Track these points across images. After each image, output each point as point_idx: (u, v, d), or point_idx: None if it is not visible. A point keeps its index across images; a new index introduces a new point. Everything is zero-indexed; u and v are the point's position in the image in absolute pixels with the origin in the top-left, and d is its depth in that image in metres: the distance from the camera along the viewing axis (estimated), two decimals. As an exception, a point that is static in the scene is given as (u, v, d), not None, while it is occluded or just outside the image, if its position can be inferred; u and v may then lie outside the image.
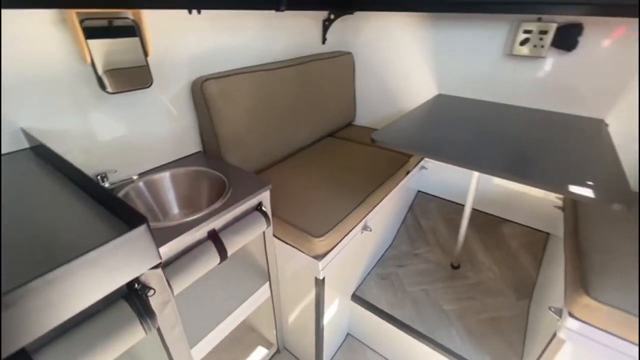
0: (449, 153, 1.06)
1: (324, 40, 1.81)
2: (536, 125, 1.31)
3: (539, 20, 1.34)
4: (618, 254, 0.94)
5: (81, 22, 0.79)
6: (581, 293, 0.85)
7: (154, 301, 0.55)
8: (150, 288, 0.54)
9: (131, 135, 1.07)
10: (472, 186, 1.33)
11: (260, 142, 1.39)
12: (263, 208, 1.07)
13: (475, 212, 1.42)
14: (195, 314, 1.06)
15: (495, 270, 1.57)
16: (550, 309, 0.97)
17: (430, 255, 1.68)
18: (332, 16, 1.74)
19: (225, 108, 1.21)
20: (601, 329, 0.83)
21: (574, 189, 0.83)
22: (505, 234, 1.75)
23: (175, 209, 1.09)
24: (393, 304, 1.43)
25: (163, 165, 1.16)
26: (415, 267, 1.62)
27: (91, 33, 0.83)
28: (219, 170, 1.10)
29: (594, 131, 1.25)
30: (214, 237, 0.93)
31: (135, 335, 0.51)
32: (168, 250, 0.80)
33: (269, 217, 1.07)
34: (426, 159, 1.75)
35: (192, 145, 1.29)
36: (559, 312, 0.93)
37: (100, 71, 0.87)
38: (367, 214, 1.27)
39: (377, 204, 1.33)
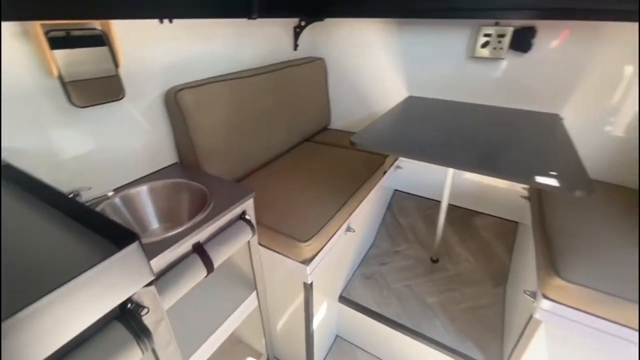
0: (424, 152, 1.11)
1: (295, 46, 1.82)
2: (500, 122, 1.40)
3: (497, 24, 1.45)
4: (582, 237, 1.03)
5: (46, 33, 0.75)
6: (552, 275, 0.92)
7: (148, 320, 0.53)
8: (144, 307, 0.52)
9: (104, 150, 1.02)
10: (447, 182, 1.40)
11: (238, 150, 1.37)
12: (247, 217, 1.06)
13: (449, 206, 1.48)
14: (182, 330, 1.03)
15: (472, 261, 1.65)
16: (525, 292, 1.04)
17: (410, 252, 1.73)
18: (302, 23, 1.77)
19: (201, 117, 1.19)
20: (573, 308, 0.90)
21: (540, 179, 0.89)
22: (478, 225, 1.84)
23: (155, 224, 1.05)
24: (379, 302, 1.46)
25: (139, 179, 1.11)
26: (397, 264, 1.67)
27: (57, 43, 0.79)
28: (198, 181, 1.08)
29: (551, 125, 1.35)
30: (200, 249, 0.91)
31: (133, 356, 0.48)
32: (153, 266, 0.77)
33: (253, 226, 1.06)
34: (400, 158, 1.81)
35: (168, 156, 1.25)
36: (534, 295, 1.00)
37: (67, 83, 0.83)
38: (350, 215, 1.29)
39: (358, 205, 1.36)
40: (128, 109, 1.06)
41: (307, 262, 1.09)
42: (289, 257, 1.12)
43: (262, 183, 1.38)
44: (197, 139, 1.19)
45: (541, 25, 1.39)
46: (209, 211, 0.94)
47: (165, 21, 1.05)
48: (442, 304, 1.45)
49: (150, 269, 0.50)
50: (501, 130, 1.31)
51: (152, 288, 0.53)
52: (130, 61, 1.00)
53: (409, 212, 1.97)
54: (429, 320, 1.37)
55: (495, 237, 1.76)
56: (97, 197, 0.94)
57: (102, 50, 0.88)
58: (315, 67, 1.88)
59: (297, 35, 1.80)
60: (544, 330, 1.01)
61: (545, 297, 0.94)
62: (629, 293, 0.83)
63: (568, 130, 1.27)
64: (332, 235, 1.19)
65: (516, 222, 1.79)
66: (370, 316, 1.40)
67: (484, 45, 1.49)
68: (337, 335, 1.60)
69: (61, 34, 0.79)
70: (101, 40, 0.87)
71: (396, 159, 1.78)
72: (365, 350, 1.53)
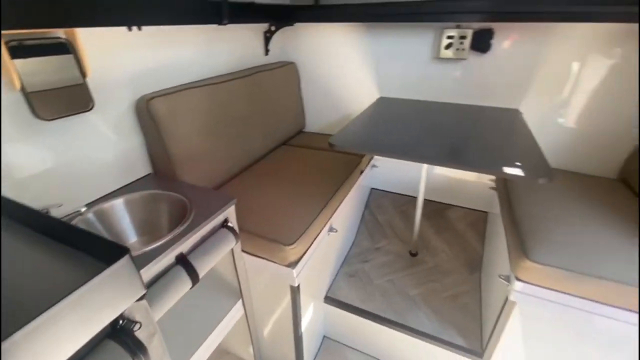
0: (400, 150, 1.15)
1: (266, 51, 1.82)
2: (466, 119, 1.48)
3: (458, 27, 1.53)
4: (547, 221, 1.12)
5: (6, 43, 0.71)
6: (523, 258, 0.99)
7: (141, 335, 0.52)
8: (136, 322, 0.51)
9: (74, 164, 0.97)
10: (422, 178, 1.46)
11: (215, 157, 1.35)
12: (229, 224, 1.04)
13: (423, 201, 1.55)
14: (168, 345, 0.99)
15: (448, 252, 1.73)
16: (499, 277, 1.11)
17: (390, 247, 1.79)
18: (272, 28, 1.77)
19: (175, 126, 1.17)
20: (544, 287, 0.97)
21: (507, 169, 0.96)
22: (451, 218, 1.93)
23: (133, 238, 1.01)
24: (364, 299, 1.49)
25: (113, 192, 1.07)
26: (379, 261, 1.71)
27: (18, 53, 0.74)
28: (176, 191, 1.05)
29: (512, 119, 1.46)
30: (183, 261, 0.89)
31: (129, 374, 0.47)
32: (137, 281, 0.75)
33: (237, 233, 1.05)
34: (376, 157, 1.87)
35: (142, 167, 1.21)
36: (507, 278, 1.07)
37: (30, 94, 0.78)
38: (332, 216, 1.31)
39: (339, 205, 1.39)
40: (98, 120, 1.01)
41: (292, 265, 1.09)
42: (274, 262, 1.11)
43: (241, 189, 1.37)
44: (172, 148, 1.16)
45: (498, 27, 1.49)
46: (190, 221, 0.92)
47: (134, 28, 1.01)
48: (424, 295, 1.51)
49: (142, 282, 0.49)
50: (468, 126, 1.39)
51: (144, 302, 0.52)
52: (98, 70, 0.96)
53: (386, 209, 2.03)
54: (412, 312, 1.42)
55: (467, 227, 1.86)
56: (69, 214, 0.89)
57: (67, 58, 0.84)
58: (287, 71, 1.89)
59: (267, 40, 1.80)
60: (519, 310, 1.08)
61: (518, 279, 1.01)
62: (591, 269, 0.92)
63: (527, 123, 1.37)
64: (316, 237, 1.20)
65: (486, 212, 1.90)
66: (356, 313, 1.43)
67: (448, 46, 1.57)
68: (324, 336, 1.61)
69: (22, 43, 0.75)
70: (65, 48, 0.83)
71: (371, 159, 1.83)
72: (353, 348, 1.55)
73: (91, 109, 0.93)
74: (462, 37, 1.53)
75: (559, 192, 1.29)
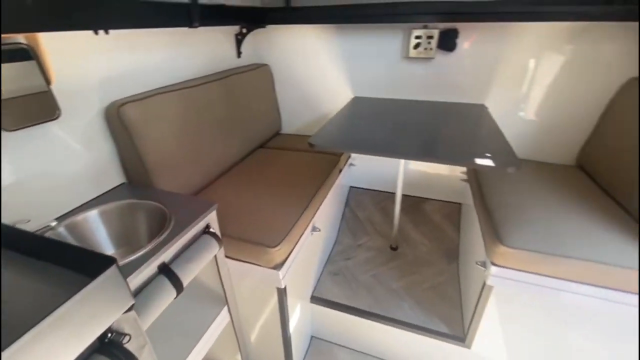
0: (377, 147, 1.19)
1: (239, 54, 1.80)
2: (437, 115, 1.55)
3: (425, 27, 1.60)
4: (518, 208, 1.19)
5: (-39, 50, 0.66)
6: (497, 244, 1.05)
7: (131, 347, 0.50)
8: (125, 334, 0.49)
9: (41, 176, 0.91)
10: (400, 173, 1.50)
11: (191, 163, 1.32)
12: (211, 230, 1.03)
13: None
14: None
15: (426, 244, 1.79)
16: (476, 263, 1.17)
17: (371, 243, 1.82)
18: (244, 30, 1.76)
19: (148, 132, 1.13)
20: (518, 269, 1.03)
21: (479, 161, 1.02)
22: (427, 210, 2.00)
23: (110, 250, 0.97)
24: (350, 296, 1.51)
25: (85, 204, 1.02)
26: (361, 257, 1.74)
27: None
28: (154, 199, 1.02)
29: (479, 114, 1.54)
30: (166, 270, 0.86)
31: (122, 388, 0.45)
32: (119, 294, 0.72)
33: (219, 238, 1.03)
34: (353, 156, 1.90)
35: (114, 177, 1.16)
36: (484, 264, 1.13)
37: (-11, 105, 0.74)
38: (314, 215, 1.32)
39: (320, 204, 1.40)
40: (65, 128, 0.96)
41: (278, 267, 1.09)
42: (259, 265, 1.11)
43: (221, 194, 1.35)
44: (146, 155, 1.12)
45: (462, 27, 1.57)
46: (170, 229, 0.90)
47: (101, 32, 0.97)
48: (407, 287, 1.55)
49: (130, 292, 0.48)
50: (439, 122, 1.45)
51: (132, 313, 0.50)
52: (64, 76, 0.91)
53: (365, 206, 2.07)
54: (397, 305, 1.46)
55: (443, 219, 1.93)
56: (39, 229, 0.84)
57: (29, 64, 0.79)
58: (261, 73, 1.88)
59: (239, 42, 1.78)
60: (496, 294, 1.14)
61: (494, 264, 1.07)
62: (560, 250, 0.99)
63: (493, 117, 1.45)
64: (300, 237, 1.20)
65: (459, 203, 1.98)
66: (343, 311, 1.44)
67: (416, 46, 1.63)
68: (312, 337, 1.62)
69: (-22, 49, 0.70)
70: (27, 54, 0.78)
71: (349, 157, 1.86)
72: (341, 346, 1.57)
73: (57, 117, 0.88)
74: (430, 37, 1.59)
75: (525, 181, 1.38)
